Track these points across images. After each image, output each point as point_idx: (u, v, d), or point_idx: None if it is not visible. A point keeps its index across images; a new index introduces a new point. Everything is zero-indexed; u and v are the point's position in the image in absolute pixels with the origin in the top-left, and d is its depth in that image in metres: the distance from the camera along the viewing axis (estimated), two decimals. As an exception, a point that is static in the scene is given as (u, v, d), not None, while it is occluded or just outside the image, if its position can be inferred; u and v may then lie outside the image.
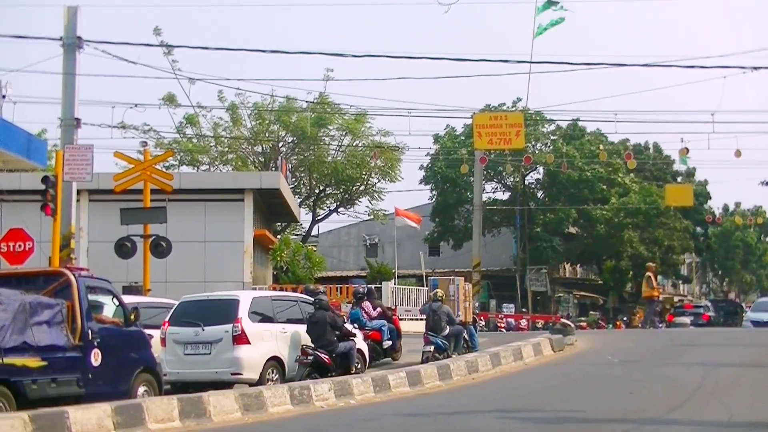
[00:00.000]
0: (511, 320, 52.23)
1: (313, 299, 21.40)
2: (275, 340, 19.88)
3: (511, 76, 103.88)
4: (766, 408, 16.26)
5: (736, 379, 20.38)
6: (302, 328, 20.76)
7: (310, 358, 20.00)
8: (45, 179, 23.33)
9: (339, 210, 60.02)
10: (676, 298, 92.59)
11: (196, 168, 55.34)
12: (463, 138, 60.23)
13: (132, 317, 16.84)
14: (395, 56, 55.45)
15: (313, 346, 20.19)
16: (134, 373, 16.53)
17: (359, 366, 21.57)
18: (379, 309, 25.39)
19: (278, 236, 47.13)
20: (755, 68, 27.02)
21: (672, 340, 30.67)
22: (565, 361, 25.12)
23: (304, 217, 58.51)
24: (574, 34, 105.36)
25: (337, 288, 35.94)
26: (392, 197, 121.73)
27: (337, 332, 20.75)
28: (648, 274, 35.08)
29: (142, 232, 28.51)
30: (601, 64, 31.21)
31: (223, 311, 19.63)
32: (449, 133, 62.76)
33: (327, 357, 20.27)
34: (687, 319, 57.28)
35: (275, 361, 19.69)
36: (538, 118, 58.57)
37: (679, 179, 67.97)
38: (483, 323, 44.79)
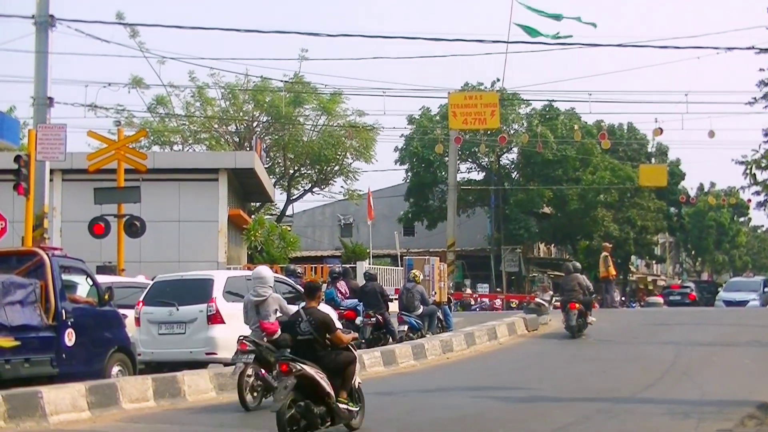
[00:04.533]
0: (486, 300, 52.40)
1: (409, 277, 25.90)
2: (250, 319, 19.82)
3: (487, 56, 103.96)
4: (737, 386, 16.42)
5: (708, 358, 20.57)
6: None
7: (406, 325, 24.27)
8: (17, 158, 23.14)
9: (314, 190, 60.02)
10: (649, 278, 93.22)
11: (169, 148, 55.13)
12: (438, 118, 60.21)
13: (106, 297, 16.75)
14: (370, 36, 55.63)
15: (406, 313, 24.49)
16: (108, 353, 16.44)
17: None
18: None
19: (253, 216, 47.03)
20: (729, 49, 27.08)
21: (646, 320, 30.87)
22: (539, 341, 25.26)
23: (279, 197, 58.50)
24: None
25: (311, 268, 35.92)
26: (367, 177, 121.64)
27: (423, 302, 24.97)
28: (604, 254, 35.14)
29: (116, 212, 28.37)
30: (576, 44, 31.13)
31: (198, 291, 19.56)
32: (425, 113, 62.73)
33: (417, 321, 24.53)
34: (660, 299, 58.92)
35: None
36: (514, 99, 58.55)
37: (653, 160, 68.17)
38: (457, 303, 44.91)
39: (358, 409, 12.58)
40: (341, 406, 12.10)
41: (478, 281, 61.83)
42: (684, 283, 69.65)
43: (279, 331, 14.13)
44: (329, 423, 12.00)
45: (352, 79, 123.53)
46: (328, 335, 12.27)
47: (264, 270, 15.55)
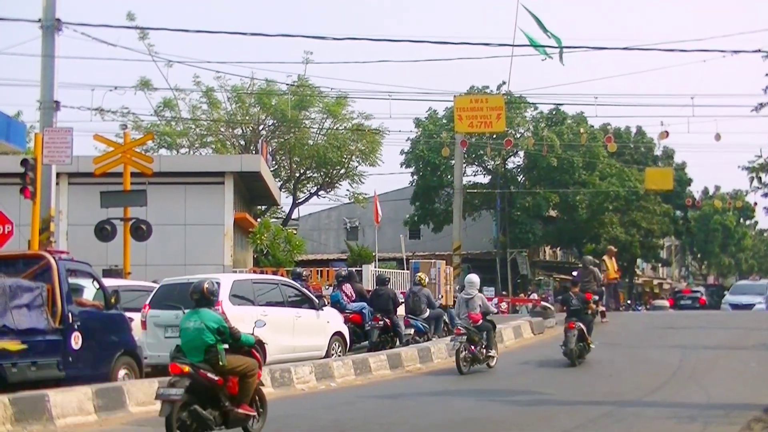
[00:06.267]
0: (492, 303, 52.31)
1: (415, 280, 25.77)
2: (256, 323, 19.83)
3: (493, 59, 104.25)
4: (744, 390, 16.41)
5: (714, 362, 20.56)
6: (283, 311, 20.79)
7: (413, 328, 24.39)
8: (24, 162, 23.15)
9: (319, 193, 59.95)
10: (655, 281, 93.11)
11: (175, 151, 55.17)
12: (444, 121, 60.22)
13: (112, 300, 16.78)
14: (376, 39, 55.46)
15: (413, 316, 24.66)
16: (115, 356, 16.47)
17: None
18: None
19: (258, 219, 47.05)
20: (735, 52, 27.00)
21: (651, 323, 30.86)
22: (545, 344, 25.23)
23: (285, 200, 58.46)
24: (554, 18, 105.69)
25: (317, 271, 35.95)
26: (373, 180, 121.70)
27: (429, 305, 24.99)
28: (603, 257, 35.14)
29: (122, 215, 28.41)
30: (582, 47, 31.18)
31: (204, 294, 19.56)
32: (431, 117, 62.71)
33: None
34: (666, 302, 59.19)
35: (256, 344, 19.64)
36: (520, 102, 58.49)
37: (659, 164, 68.09)
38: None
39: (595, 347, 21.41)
40: (591, 345, 21.12)
41: (483, 284, 61.73)
42: (694, 288, 70.17)
43: (481, 320, 20.09)
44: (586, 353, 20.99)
45: (358, 82, 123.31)
46: (585, 306, 21.41)
47: (474, 277, 21.17)
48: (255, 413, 12.53)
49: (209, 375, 11.91)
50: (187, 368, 11.83)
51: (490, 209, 64.96)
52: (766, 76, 34.30)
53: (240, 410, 12.18)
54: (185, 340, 12.31)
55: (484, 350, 20.09)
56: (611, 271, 33.00)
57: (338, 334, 22.42)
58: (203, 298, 12.57)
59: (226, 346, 12.32)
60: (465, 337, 19.61)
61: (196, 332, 12.22)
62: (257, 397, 12.70)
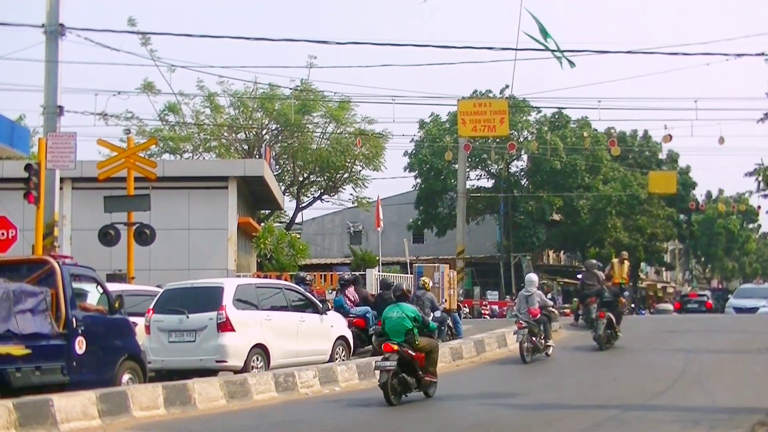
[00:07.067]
0: (495, 307, 52.36)
1: (419, 285, 25.94)
2: (260, 327, 19.86)
3: (496, 63, 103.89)
4: (748, 394, 16.39)
5: (719, 366, 20.54)
6: (287, 315, 20.80)
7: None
8: (28, 167, 23.16)
9: (323, 197, 59.97)
10: (659, 285, 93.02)
11: (179, 156, 55.18)
12: (448, 125, 60.21)
13: (116, 305, 16.78)
14: (379, 43, 55.31)
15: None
16: (119, 361, 16.46)
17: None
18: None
19: (262, 224, 47.05)
20: (738, 55, 26.94)
21: (655, 327, 30.82)
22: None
23: (288, 204, 58.44)
24: (557, 22, 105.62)
25: (321, 275, 35.94)
26: (376, 185, 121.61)
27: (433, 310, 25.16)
28: (613, 261, 35.13)
29: (126, 220, 28.38)
30: (585, 51, 31.17)
31: (208, 299, 19.59)
32: (434, 121, 62.72)
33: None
34: (670, 306, 59.41)
35: (260, 349, 19.66)
36: (523, 106, 58.48)
37: (663, 167, 68.03)
38: (467, 310, 44.88)
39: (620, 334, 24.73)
40: (619, 333, 24.53)
41: (487, 288, 61.78)
42: (700, 291, 70.58)
43: (539, 314, 22.72)
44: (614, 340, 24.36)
45: (361, 87, 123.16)
46: (617, 298, 25.08)
47: (533, 276, 24.42)
48: (435, 380, 16.57)
49: (409, 351, 15.88)
50: (396, 347, 15.76)
51: (494, 213, 64.98)
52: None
53: (427, 378, 16.28)
54: (389, 326, 16.25)
55: (543, 341, 22.87)
56: (616, 275, 33.04)
57: (342, 338, 22.44)
58: (402, 294, 16.88)
59: None
60: (526, 330, 22.25)
61: (398, 320, 16.21)
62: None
